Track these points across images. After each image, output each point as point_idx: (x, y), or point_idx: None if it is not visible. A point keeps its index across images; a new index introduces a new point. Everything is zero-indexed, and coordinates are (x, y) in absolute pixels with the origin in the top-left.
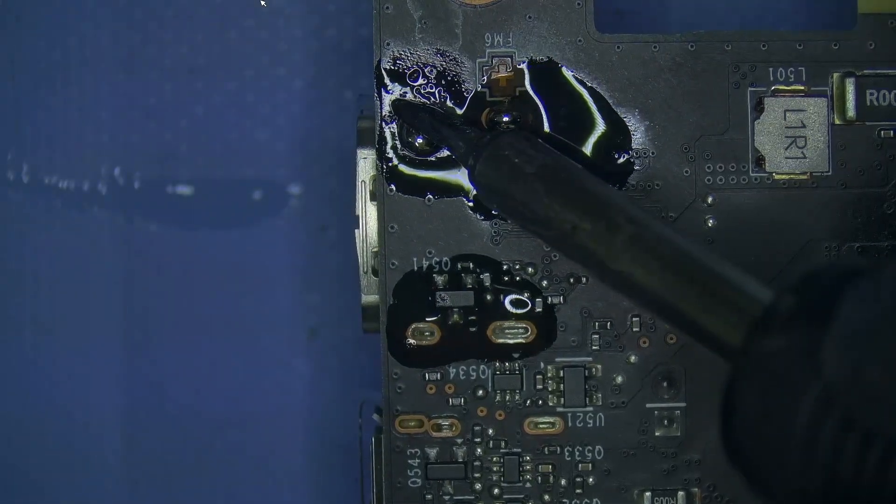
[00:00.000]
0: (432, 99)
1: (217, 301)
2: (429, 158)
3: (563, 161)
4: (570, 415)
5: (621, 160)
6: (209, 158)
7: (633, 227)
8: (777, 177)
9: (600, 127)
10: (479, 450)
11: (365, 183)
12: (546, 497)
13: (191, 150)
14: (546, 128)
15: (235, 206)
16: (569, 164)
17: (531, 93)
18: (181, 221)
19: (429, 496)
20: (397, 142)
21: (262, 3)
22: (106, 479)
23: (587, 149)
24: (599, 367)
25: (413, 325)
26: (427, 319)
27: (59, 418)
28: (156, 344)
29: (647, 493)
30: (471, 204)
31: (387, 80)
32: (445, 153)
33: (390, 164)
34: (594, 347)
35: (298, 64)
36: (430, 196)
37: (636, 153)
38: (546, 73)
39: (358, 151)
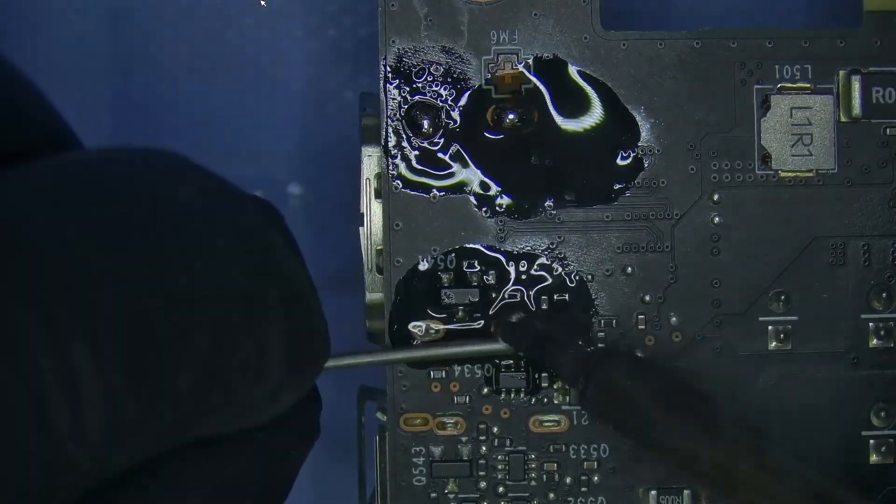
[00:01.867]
0: (439, 99)
1: None
2: (436, 155)
3: (676, 383)
4: (575, 413)
5: (629, 158)
6: (209, 158)
7: (755, 458)
8: (783, 174)
9: (607, 124)
10: (483, 448)
11: (370, 180)
12: (551, 495)
13: (191, 150)
14: (555, 122)
15: None
16: (683, 387)
17: (540, 87)
18: None
19: (433, 494)
20: (402, 138)
21: (262, 3)
22: None
23: (593, 146)
24: None
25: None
26: (431, 315)
27: None
28: None
29: (653, 492)
30: (475, 201)
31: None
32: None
33: (396, 161)
34: (600, 345)
35: (298, 64)
36: (436, 192)
37: (641, 150)
38: (552, 70)
39: (363, 149)
